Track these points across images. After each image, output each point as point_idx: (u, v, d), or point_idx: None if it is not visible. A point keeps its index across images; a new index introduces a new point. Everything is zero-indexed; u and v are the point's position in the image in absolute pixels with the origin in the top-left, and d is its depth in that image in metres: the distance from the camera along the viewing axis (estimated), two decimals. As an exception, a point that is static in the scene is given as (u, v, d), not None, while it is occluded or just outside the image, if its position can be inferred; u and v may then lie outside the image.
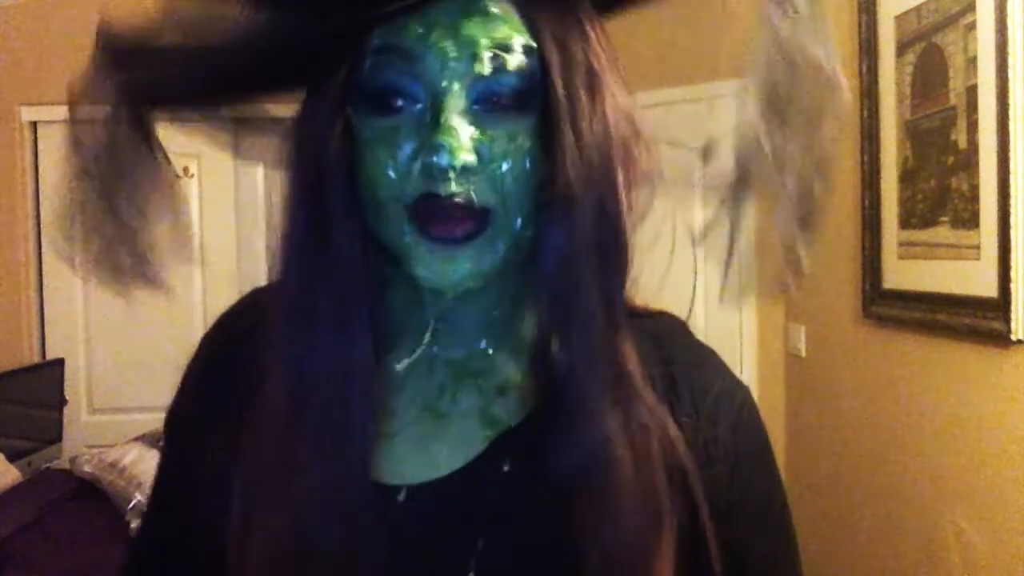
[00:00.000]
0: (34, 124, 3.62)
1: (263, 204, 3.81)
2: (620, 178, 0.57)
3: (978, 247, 1.84)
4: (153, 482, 0.72)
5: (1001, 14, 1.73)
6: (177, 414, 0.70)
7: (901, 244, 2.19)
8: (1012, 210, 1.72)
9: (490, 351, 0.62)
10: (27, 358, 3.60)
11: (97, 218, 0.62)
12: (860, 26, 2.31)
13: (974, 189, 1.85)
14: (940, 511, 2.03)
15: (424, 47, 0.55)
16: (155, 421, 3.22)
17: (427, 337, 0.62)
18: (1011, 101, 1.71)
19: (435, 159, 0.53)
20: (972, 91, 1.85)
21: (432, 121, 0.54)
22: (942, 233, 2.00)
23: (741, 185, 0.60)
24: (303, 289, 0.58)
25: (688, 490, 0.59)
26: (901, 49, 2.16)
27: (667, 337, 0.65)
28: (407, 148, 0.55)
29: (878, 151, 2.27)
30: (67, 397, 3.59)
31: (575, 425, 0.56)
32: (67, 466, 3.14)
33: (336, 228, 0.57)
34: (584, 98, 0.56)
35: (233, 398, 0.63)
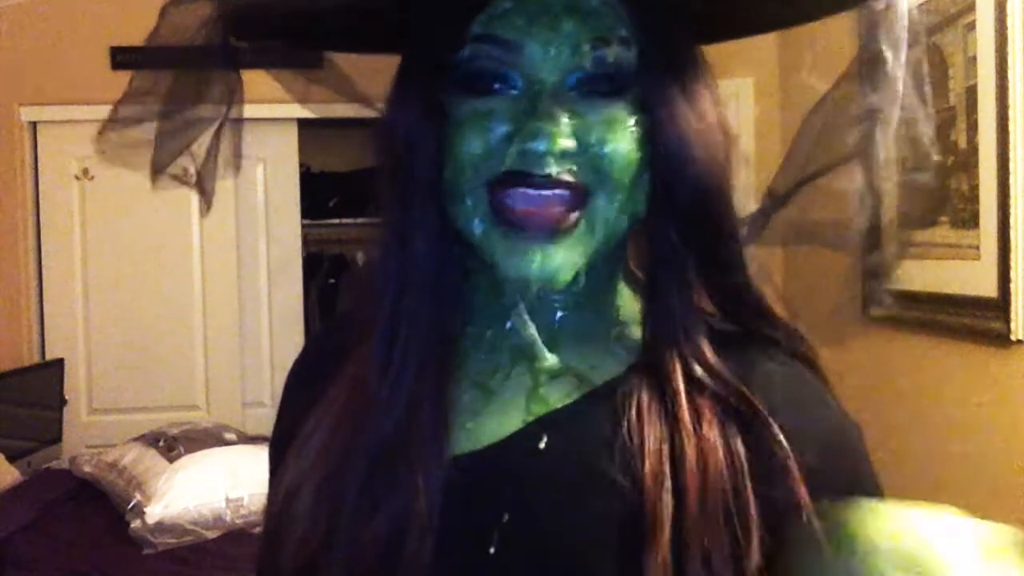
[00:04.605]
0: (34, 124, 3.62)
1: (263, 204, 3.82)
2: (719, 170, 0.58)
3: (978, 247, 1.85)
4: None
5: (1001, 14, 1.73)
6: (287, 380, 0.73)
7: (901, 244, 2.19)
8: (1012, 210, 1.72)
9: (557, 341, 0.62)
10: (27, 358, 3.59)
11: (165, 117, 0.64)
12: (859, 25, 2.31)
13: (974, 189, 1.85)
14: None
15: (524, 38, 0.56)
16: (155, 421, 3.23)
17: (503, 327, 0.62)
18: (1010, 101, 1.71)
19: (532, 144, 0.54)
20: (971, 91, 1.85)
21: (529, 106, 0.55)
22: (942, 233, 2.00)
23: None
24: (387, 275, 0.60)
25: (741, 511, 0.54)
26: (901, 49, 2.16)
27: (765, 356, 0.60)
28: (499, 130, 0.56)
29: (878, 151, 2.28)
30: (67, 397, 3.60)
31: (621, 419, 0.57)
32: (67, 466, 3.15)
33: (415, 212, 0.58)
34: (679, 91, 0.57)
35: (320, 377, 0.66)
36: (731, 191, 0.59)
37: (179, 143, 0.65)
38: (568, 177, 0.55)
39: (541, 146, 0.54)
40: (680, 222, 0.58)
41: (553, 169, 0.54)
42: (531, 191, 0.55)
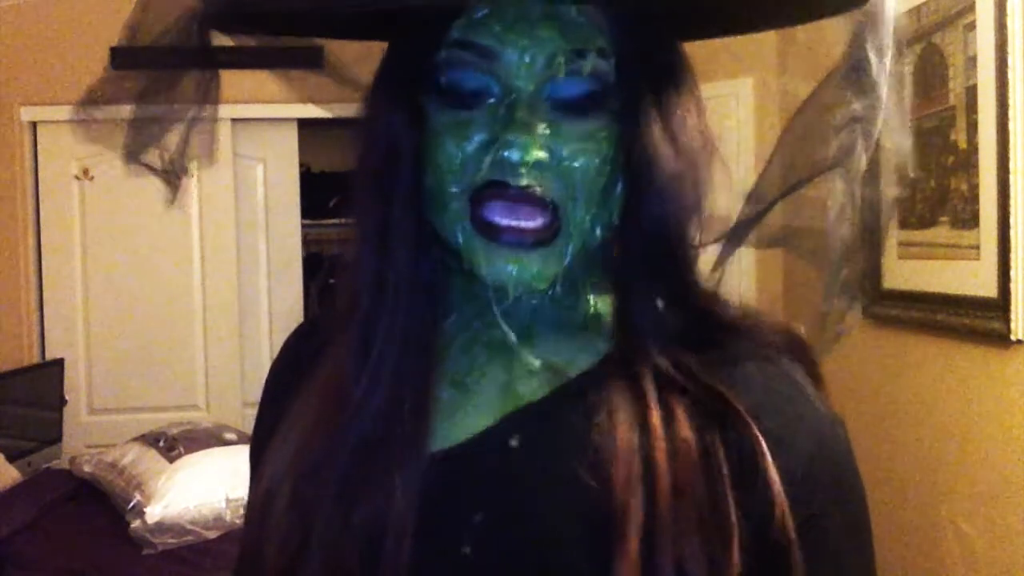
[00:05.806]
0: (34, 124, 3.62)
1: (263, 204, 3.82)
2: (692, 185, 0.58)
3: (978, 247, 1.84)
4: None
5: (1001, 14, 1.73)
6: (266, 381, 0.74)
7: (901, 244, 2.19)
8: (1012, 210, 1.72)
9: (532, 335, 0.62)
10: (27, 358, 3.60)
11: (139, 108, 0.64)
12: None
13: (974, 189, 1.85)
14: (940, 511, 2.04)
15: (501, 46, 0.56)
16: (155, 421, 3.23)
17: (479, 325, 0.62)
18: (1010, 101, 1.71)
19: (506, 154, 0.54)
20: (971, 91, 1.85)
21: (505, 116, 0.55)
22: (942, 233, 2.00)
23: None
24: (365, 277, 0.60)
25: (720, 511, 0.54)
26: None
27: (743, 355, 0.59)
28: (477, 139, 0.56)
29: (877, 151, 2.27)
30: (67, 397, 3.60)
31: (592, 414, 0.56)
32: (67, 466, 3.15)
33: (395, 216, 0.58)
34: (655, 104, 0.57)
35: (296, 380, 0.66)
36: (700, 205, 0.59)
37: (152, 133, 0.65)
38: (540, 190, 0.55)
39: (515, 156, 0.54)
40: (647, 230, 0.58)
41: (526, 180, 0.55)
42: (507, 204, 0.55)
